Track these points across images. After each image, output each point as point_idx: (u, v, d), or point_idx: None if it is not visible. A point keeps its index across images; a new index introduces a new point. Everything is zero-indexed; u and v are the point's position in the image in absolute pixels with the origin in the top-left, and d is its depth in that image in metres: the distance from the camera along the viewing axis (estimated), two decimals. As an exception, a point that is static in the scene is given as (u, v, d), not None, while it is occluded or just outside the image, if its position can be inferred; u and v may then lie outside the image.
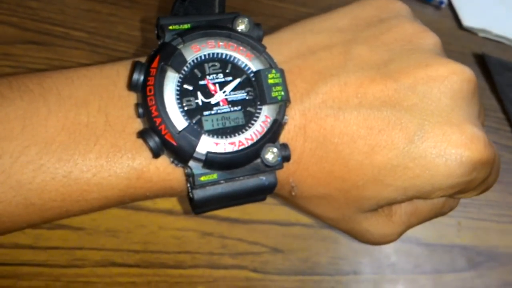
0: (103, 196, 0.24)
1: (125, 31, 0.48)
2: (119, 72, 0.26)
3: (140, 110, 0.24)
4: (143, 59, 0.26)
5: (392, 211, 0.30)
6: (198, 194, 0.25)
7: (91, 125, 0.24)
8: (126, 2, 0.50)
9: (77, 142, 0.23)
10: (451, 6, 0.78)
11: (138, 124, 0.25)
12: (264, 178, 0.26)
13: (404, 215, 0.30)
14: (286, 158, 0.25)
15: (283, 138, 0.26)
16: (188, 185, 0.25)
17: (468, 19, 0.76)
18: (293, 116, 0.26)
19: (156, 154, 0.24)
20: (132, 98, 0.25)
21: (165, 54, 0.25)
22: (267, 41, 0.27)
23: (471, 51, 0.73)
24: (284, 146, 0.25)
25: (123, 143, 0.24)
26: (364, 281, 0.42)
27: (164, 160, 0.25)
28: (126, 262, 0.35)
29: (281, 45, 0.28)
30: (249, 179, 0.25)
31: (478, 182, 0.28)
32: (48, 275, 0.33)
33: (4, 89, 0.24)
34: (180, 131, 0.24)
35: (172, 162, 0.25)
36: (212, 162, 0.24)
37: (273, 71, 0.26)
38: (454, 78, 0.27)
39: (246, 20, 0.27)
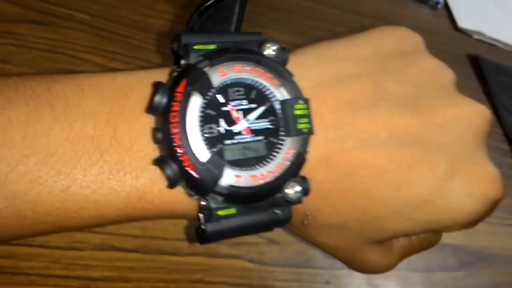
0: (99, 214, 0.23)
1: (127, 15, 0.48)
2: (133, 85, 0.24)
3: (159, 136, 0.22)
4: (159, 74, 0.25)
5: (392, 243, 0.30)
6: (212, 227, 0.23)
7: (97, 138, 0.22)
8: (129, -14, 0.50)
9: (80, 155, 0.22)
10: (447, 7, 0.79)
11: (146, 142, 0.23)
12: (280, 212, 0.24)
13: (402, 247, 0.30)
14: (304, 192, 0.24)
15: (303, 168, 0.25)
16: (201, 216, 0.23)
17: (464, 21, 0.77)
18: (315, 146, 0.25)
19: (172, 184, 0.22)
20: (144, 114, 0.23)
21: (192, 79, 0.23)
22: (289, 63, 0.26)
23: (466, 52, 0.74)
24: (303, 180, 0.24)
25: (128, 161, 0.23)
26: (357, 276, 0.42)
27: None
28: (125, 247, 0.36)
29: (304, 69, 0.26)
30: (265, 212, 0.24)
31: None
32: (48, 256, 0.33)
33: (9, 91, 0.22)
34: (204, 163, 0.22)
35: (188, 193, 0.23)
36: (234, 196, 0.23)
37: (300, 101, 0.24)
38: (478, 118, 0.28)
39: (275, 45, 0.25)
